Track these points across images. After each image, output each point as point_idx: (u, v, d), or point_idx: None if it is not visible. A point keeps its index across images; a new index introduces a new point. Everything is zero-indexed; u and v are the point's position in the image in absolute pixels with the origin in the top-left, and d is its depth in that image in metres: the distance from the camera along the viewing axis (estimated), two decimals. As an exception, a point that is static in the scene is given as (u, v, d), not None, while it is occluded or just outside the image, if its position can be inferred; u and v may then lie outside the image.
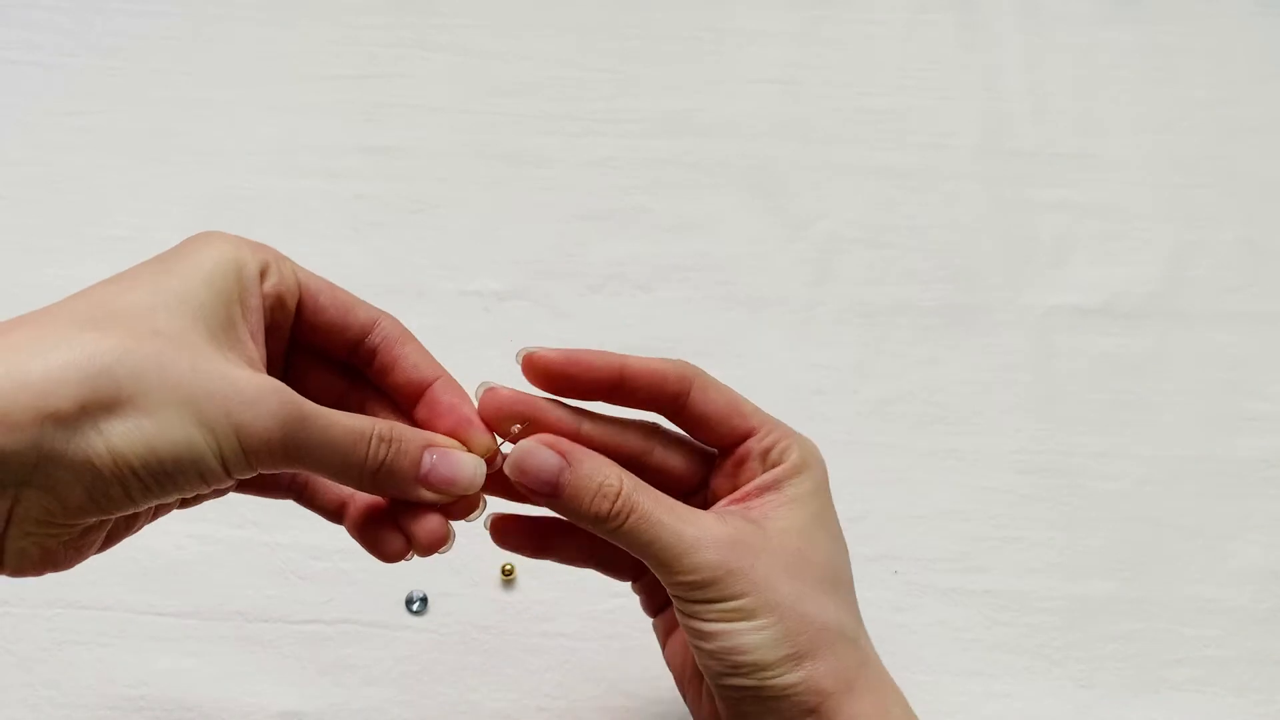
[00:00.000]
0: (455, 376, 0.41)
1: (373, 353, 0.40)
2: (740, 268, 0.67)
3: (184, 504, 0.38)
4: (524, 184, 0.69)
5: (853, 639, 0.40)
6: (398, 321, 0.41)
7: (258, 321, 0.37)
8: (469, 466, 0.39)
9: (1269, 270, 0.68)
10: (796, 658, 0.38)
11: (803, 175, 0.70)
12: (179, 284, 0.35)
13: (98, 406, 0.31)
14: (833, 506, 0.42)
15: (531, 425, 0.40)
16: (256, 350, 0.36)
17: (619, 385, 0.40)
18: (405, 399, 0.41)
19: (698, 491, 0.43)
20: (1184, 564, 0.59)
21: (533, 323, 0.64)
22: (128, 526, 0.37)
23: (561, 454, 0.38)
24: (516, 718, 0.54)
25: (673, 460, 0.43)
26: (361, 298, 0.40)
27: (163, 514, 0.38)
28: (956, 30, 0.75)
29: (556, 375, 0.40)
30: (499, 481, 0.39)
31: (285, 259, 0.38)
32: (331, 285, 0.40)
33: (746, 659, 0.38)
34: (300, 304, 0.39)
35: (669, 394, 0.41)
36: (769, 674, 0.38)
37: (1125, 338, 0.65)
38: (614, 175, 0.69)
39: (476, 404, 0.40)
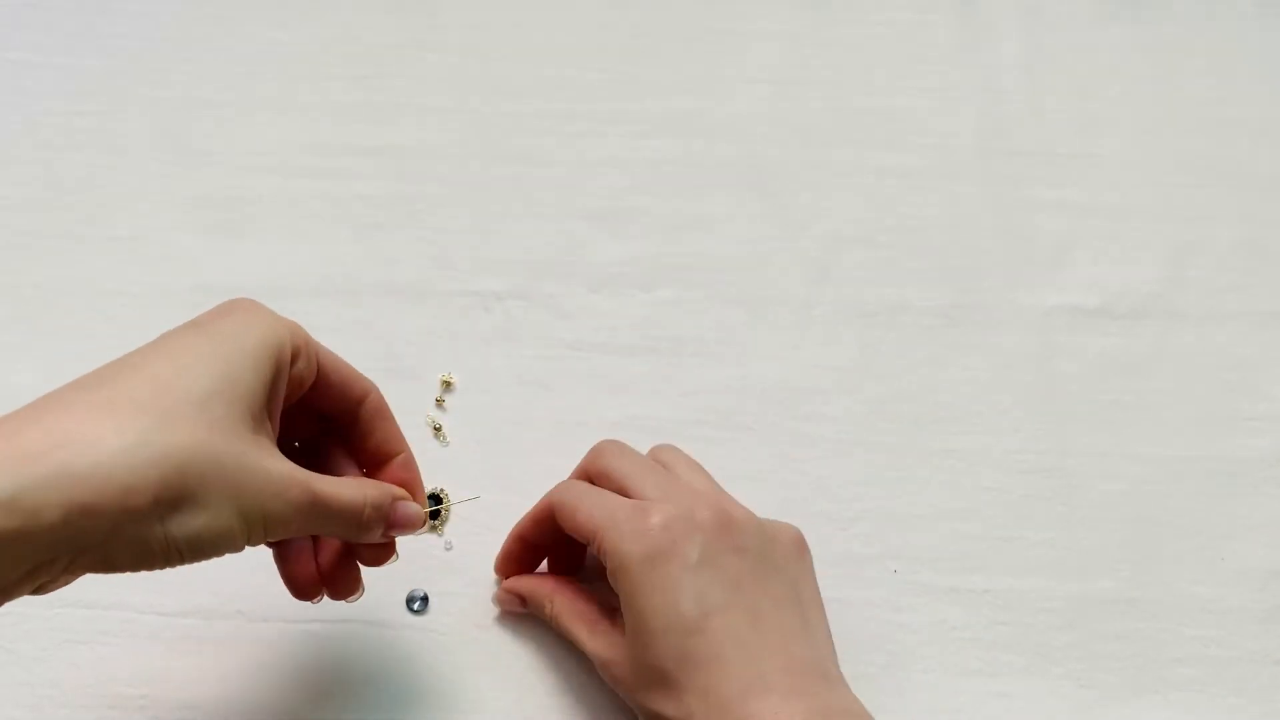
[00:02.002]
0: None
1: (356, 419, 0.46)
2: (740, 268, 0.67)
3: None
4: (524, 184, 0.69)
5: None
6: (380, 395, 0.47)
7: (279, 400, 0.42)
8: (418, 515, 0.47)
9: (1269, 270, 0.67)
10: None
11: (803, 175, 0.70)
12: (228, 368, 0.39)
13: (168, 504, 0.35)
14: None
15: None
16: (273, 427, 0.42)
17: (543, 528, 0.54)
18: (369, 462, 0.47)
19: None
20: (1184, 564, 0.59)
21: (533, 323, 0.64)
22: None
23: (519, 598, 0.55)
24: (516, 718, 0.54)
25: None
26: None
27: None
28: (956, 30, 0.75)
29: (516, 567, 0.56)
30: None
31: (310, 338, 0.43)
32: (335, 359, 0.45)
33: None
34: (315, 381, 0.44)
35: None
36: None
37: (1125, 338, 0.65)
38: (614, 175, 0.69)
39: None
